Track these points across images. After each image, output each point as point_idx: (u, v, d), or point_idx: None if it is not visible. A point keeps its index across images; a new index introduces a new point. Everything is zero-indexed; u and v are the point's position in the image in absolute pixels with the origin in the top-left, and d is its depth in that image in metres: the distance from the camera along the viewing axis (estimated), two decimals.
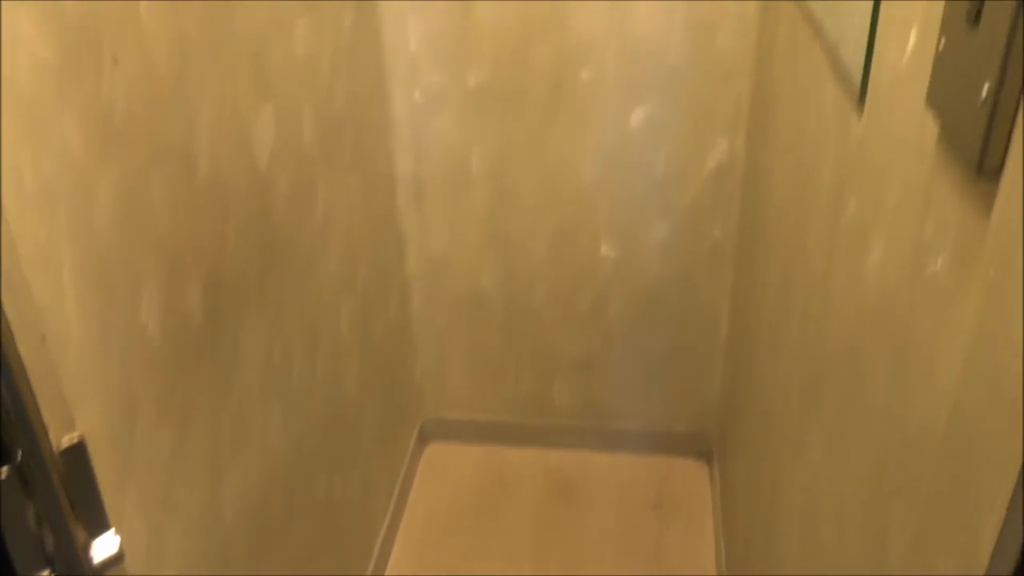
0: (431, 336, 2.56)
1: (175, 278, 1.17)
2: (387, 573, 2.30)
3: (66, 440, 0.73)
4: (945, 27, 0.69)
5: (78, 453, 0.73)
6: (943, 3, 0.71)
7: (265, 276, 1.48)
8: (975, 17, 0.62)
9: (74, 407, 0.92)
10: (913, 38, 0.83)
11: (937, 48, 0.71)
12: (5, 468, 0.66)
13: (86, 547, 0.76)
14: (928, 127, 0.76)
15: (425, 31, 2.11)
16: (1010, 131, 0.58)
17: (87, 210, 0.98)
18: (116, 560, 0.78)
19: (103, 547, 0.77)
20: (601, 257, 2.36)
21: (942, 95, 0.70)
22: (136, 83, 1.07)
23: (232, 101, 1.33)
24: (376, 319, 2.18)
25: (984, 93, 0.60)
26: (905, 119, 0.84)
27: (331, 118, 1.78)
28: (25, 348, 0.70)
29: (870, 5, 0.99)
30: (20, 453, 0.67)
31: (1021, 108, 0.58)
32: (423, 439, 2.72)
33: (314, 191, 1.69)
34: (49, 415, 0.72)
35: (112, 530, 0.78)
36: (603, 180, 2.25)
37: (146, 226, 1.10)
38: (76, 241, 0.96)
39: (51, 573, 0.72)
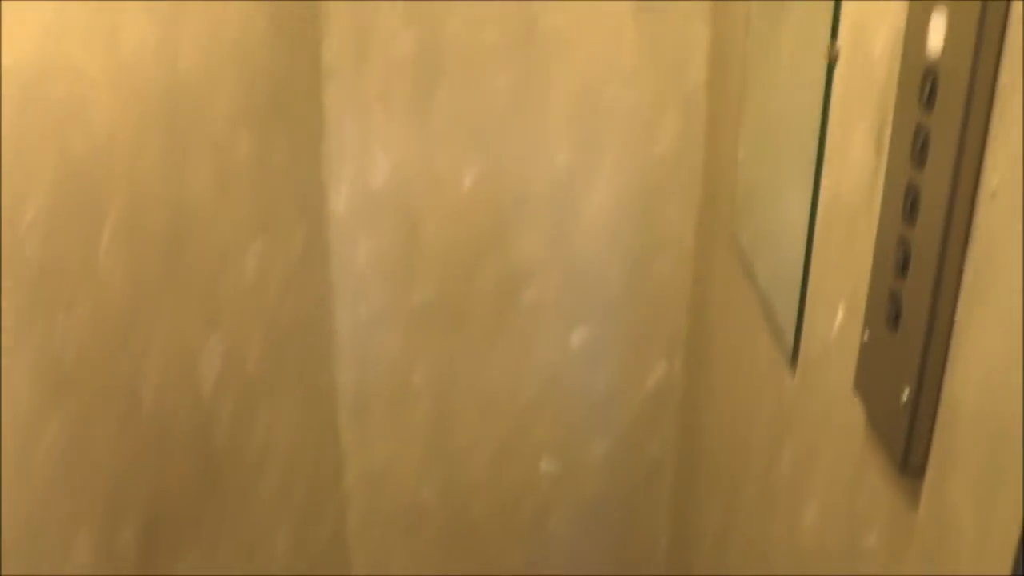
0: (367, 549, 2.51)
1: (111, 518, 1.15)
2: None
3: None
4: (868, 321, 0.74)
5: None
6: (867, 288, 0.76)
7: (203, 506, 1.46)
8: (894, 320, 0.67)
9: None
10: (841, 314, 0.88)
11: (862, 338, 0.75)
12: None
13: None
14: (857, 407, 0.80)
15: (374, 249, 2.17)
16: (929, 438, 0.62)
17: (28, 457, 0.97)
18: None
19: None
20: (541, 473, 2.36)
21: (868, 385, 0.74)
22: (89, 326, 1.08)
23: (181, 333, 1.35)
24: (312, 535, 2.14)
25: (905, 397, 0.64)
26: (835, 392, 0.88)
27: (276, 338, 1.80)
28: None
29: (799, 270, 1.05)
30: None
31: (940, 416, 0.62)
32: None
33: (256, 414, 1.69)
34: None
35: None
36: (544, 397, 2.27)
37: (86, 469, 1.09)
38: (13, 490, 0.94)
39: None
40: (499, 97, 2.04)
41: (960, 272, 0.59)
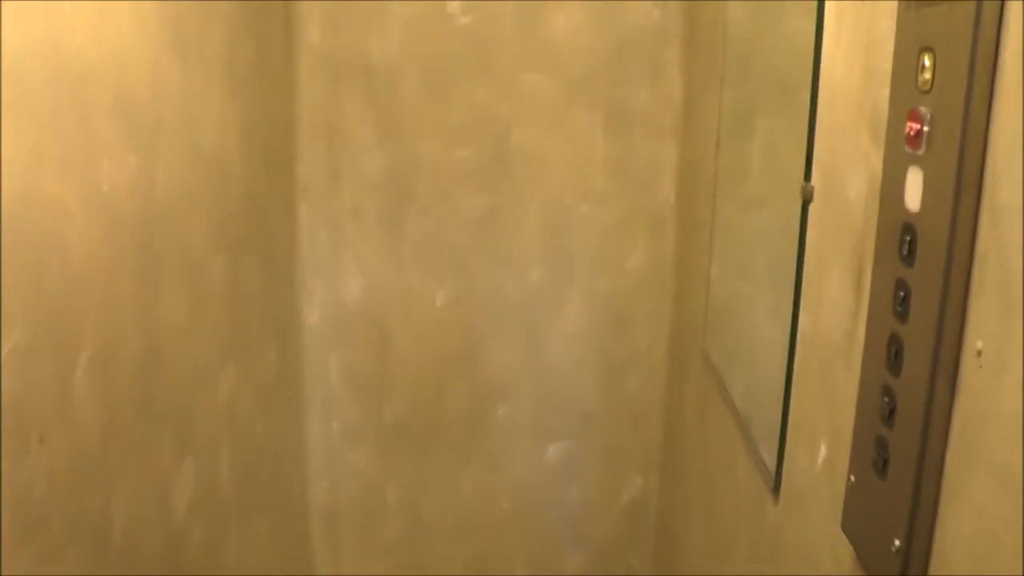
0: None
1: None
2: None
3: None
4: (854, 465, 0.74)
5: None
6: (852, 431, 0.76)
7: None
8: (882, 468, 0.67)
9: None
10: (824, 450, 0.89)
11: (848, 479, 0.75)
12: None
13: None
14: (844, 544, 0.79)
15: (346, 365, 2.16)
16: None
17: None
18: None
19: None
20: None
21: (856, 528, 0.74)
22: (60, 459, 1.06)
23: (153, 460, 1.32)
24: None
25: (896, 546, 0.64)
26: (821, 526, 0.88)
27: (249, 457, 1.77)
28: None
29: (778, 399, 1.05)
30: None
31: (932, 566, 0.61)
32: None
33: (228, 534, 1.66)
34: None
35: None
36: (518, 512, 2.25)
37: None
38: None
39: None
40: (471, 214, 2.06)
41: (948, 425, 0.59)
